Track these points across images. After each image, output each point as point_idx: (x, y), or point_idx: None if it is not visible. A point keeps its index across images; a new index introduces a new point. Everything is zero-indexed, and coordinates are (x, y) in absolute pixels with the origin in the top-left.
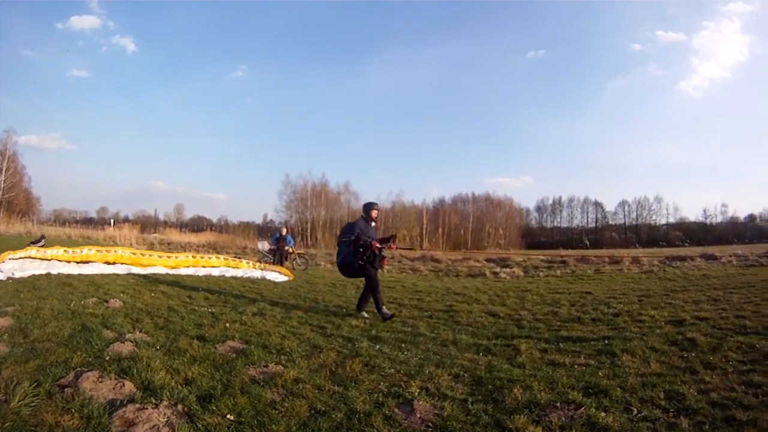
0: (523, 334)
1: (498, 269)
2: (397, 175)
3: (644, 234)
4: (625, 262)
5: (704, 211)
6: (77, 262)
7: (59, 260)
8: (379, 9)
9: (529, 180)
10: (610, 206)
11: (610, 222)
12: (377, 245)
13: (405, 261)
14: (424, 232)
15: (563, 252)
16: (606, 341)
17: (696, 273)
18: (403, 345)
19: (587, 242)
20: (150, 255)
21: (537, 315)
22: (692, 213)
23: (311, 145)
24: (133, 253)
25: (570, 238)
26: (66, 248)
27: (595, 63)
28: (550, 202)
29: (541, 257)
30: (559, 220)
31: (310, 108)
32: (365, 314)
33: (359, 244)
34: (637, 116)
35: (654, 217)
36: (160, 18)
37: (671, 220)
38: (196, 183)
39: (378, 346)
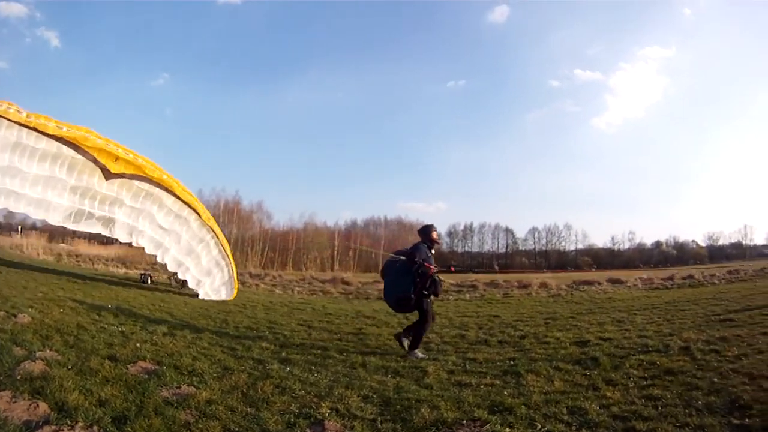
0: (430, 357)
1: None
2: (310, 195)
3: (554, 259)
4: (534, 287)
5: (612, 238)
6: None
7: None
8: (303, 30)
9: (442, 206)
10: (520, 233)
11: (521, 248)
12: (434, 270)
13: (315, 283)
14: (335, 253)
15: (473, 276)
16: (512, 362)
17: (602, 296)
18: (313, 367)
19: (497, 266)
20: None
21: (445, 338)
22: (601, 240)
23: (227, 161)
24: None
25: (481, 263)
26: None
27: (514, 96)
28: (462, 227)
29: (451, 281)
30: (470, 245)
31: (228, 124)
32: (420, 353)
33: (421, 272)
34: (551, 148)
35: (563, 244)
36: (88, 15)
37: (580, 246)
38: None
39: (288, 368)
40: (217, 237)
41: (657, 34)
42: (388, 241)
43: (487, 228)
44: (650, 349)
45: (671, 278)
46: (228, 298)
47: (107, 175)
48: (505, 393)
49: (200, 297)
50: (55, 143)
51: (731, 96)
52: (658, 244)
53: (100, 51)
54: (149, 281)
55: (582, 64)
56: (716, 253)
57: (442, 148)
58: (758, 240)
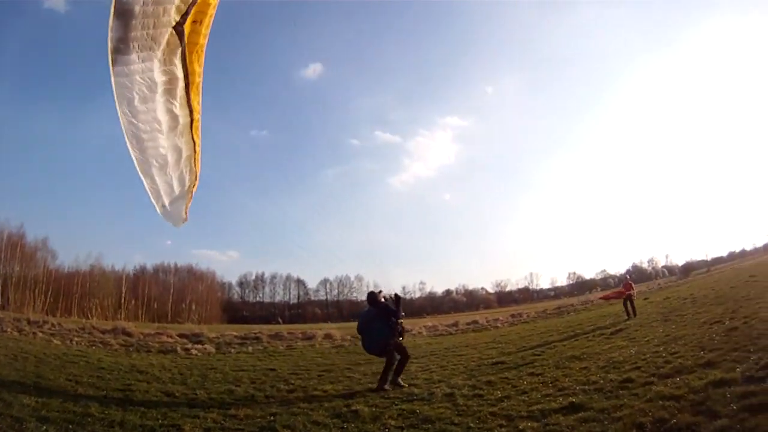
0: (191, 414)
1: (190, 345)
2: (98, 235)
3: (346, 309)
4: (318, 338)
5: (403, 287)
6: None
7: None
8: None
9: (234, 255)
10: (312, 283)
11: (312, 298)
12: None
13: (96, 333)
14: (122, 300)
15: (256, 328)
16: (271, 418)
17: None
18: (71, 426)
19: (280, 320)
20: None
21: (212, 393)
22: (392, 289)
23: (12, 186)
24: None
25: (272, 314)
26: None
27: (315, 150)
28: (253, 277)
29: (235, 333)
30: (261, 295)
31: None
32: (402, 382)
33: (399, 327)
34: (348, 203)
35: (355, 294)
36: None
37: None
38: None
39: (45, 427)
40: None
41: (458, 105)
42: (177, 290)
43: (279, 279)
44: (415, 397)
45: (455, 324)
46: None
47: None
48: None
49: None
50: None
51: (518, 164)
52: (448, 292)
53: None
54: None
55: (383, 126)
56: (504, 298)
57: (237, 196)
58: (544, 285)
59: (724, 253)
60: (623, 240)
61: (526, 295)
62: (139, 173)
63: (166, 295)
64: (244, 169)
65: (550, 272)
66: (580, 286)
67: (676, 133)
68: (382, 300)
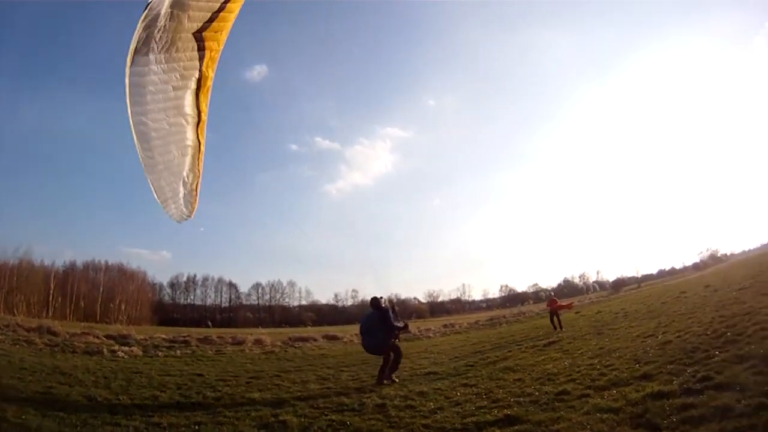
0: (112, 421)
1: (117, 347)
2: (29, 227)
3: (278, 314)
4: (248, 343)
5: (336, 295)
6: None
7: None
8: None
9: (167, 255)
10: (244, 287)
11: (244, 302)
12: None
13: (21, 331)
14: (50, 297)
15: (186, 331)
16: (196, 427)
17: (316, 352)
18: None
19: (210, 323)
20: None
21: (136, 399)
22: (324, 297)
23: None
24: None
25: (204, 317)
26: None
27: (254, 153)
28: (185, 279)
29: (164, 336)
30: (192, 297)
31: None
32: (395, 378)
33: (395, 330)
34: (285, 206)
35: (287, 300)
36: None
37: (304, 302)
38: None
39: None
40: None
41: (399, 116)
42: (107, 289)
43: (211, 281)
44: (345, 408)
45: None
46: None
47: None
48: None
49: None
50: None
51: (455, 177)
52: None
53: None
54: None
55: (323, 133)
56: (437, 308)
57: None
58: (476, 296)
59: (654, 271)
60: (556, 255)
61: (458, 305)
62: (146, 172)
63: (96, 293)
64: None
65: (482, 284)
66: (512, 299)
67: (609, 153)
68: (384, 305)
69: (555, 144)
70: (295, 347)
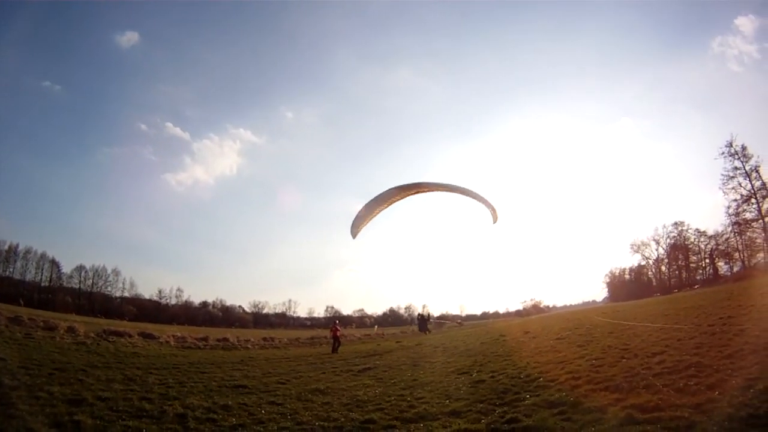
0: None
1: None
2: None
3: (99, 303)
4: (61, 330)
5: (160, 291)
6: None
7: None
8: None
9: None
10: (67, 268)
11: (65, 284)
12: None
13: None
14: None
15: None
16: None
17: (129, 350)
18: None
19: (22, 301)
20: None
21: None
22: (148, 291)
23: None
24: None
25: (20, 293)
26: None
27: (102, 123)
28: (6, 247)
29: None
30: (12, 270)
31: None
32: None
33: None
34: (118, 188)
35: (110, 289)
36: None
37: (127, 294)
38: None
39: None
40: None
41: (254, 121)
42: None
43: (33, 255)
44: (145, 414)
45: (206, 339)
46: None
47: None
48: None
49: None
50: None
51: (295, 191)
52: (205, 304)
53: None
54: None
55: (176, 119)
56: (261, 320)
57: (8, 146)
58: (301, 313)
59: (478, 312)
60: (384, 284)
61: (282, 320)
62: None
63: None
64: (24, 120)
65: (309, 302)
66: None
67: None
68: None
69: (397, 178)
70: (109, 341)
